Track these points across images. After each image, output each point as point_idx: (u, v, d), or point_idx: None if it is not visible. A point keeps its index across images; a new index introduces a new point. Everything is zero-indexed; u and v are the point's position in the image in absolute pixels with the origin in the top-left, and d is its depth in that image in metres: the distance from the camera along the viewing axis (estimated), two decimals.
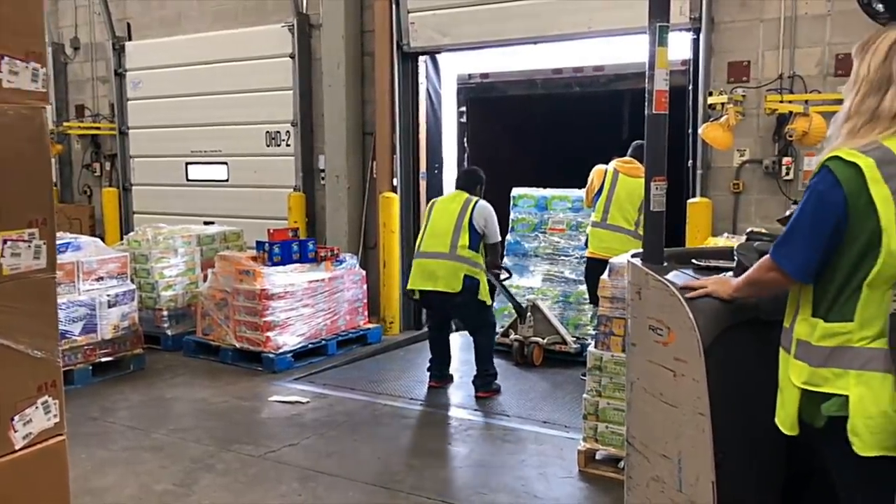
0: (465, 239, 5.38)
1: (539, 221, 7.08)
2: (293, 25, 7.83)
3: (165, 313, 6.85)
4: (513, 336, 6.45)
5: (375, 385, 5.87)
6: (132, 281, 6.36)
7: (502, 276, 6.12)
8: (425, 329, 7.54)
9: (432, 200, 5.92)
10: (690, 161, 6.16)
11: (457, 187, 5.83)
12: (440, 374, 5.79)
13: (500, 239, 5.66)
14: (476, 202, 5.51)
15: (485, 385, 5.58)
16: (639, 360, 2.60)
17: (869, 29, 5.69)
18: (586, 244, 6.13)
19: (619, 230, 5.79)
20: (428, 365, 5.83)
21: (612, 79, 7.61)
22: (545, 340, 6.35)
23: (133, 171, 9.43)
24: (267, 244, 6.36)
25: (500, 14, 6.80)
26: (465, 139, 7.89)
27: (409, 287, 5.69)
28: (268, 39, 8.03)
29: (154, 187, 9.22)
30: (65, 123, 9.65)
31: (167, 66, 8.84)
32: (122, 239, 8.07)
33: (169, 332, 6.84)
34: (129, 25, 9.24)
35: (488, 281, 5.58)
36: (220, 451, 4.50)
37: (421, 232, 5.68)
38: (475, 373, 5.63)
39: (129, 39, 9.22)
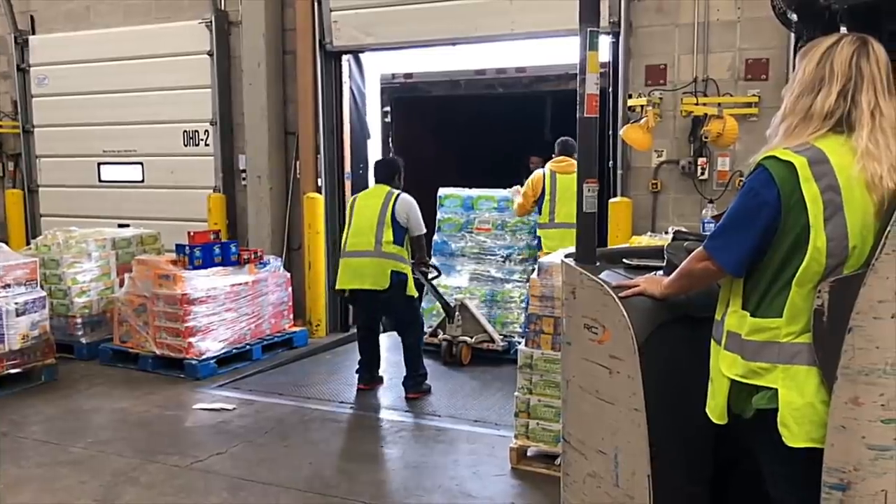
0: (388, 235, 5.37)
1: (465, 221, 7.13)
2: (211, 22, 7.62)
3: (79, 321, 6.55)
4: (441, 336, 6.47)
5: (303, 389, 5.78)
6: (42, 287, 6.05)
7: (431, 275, 6.13)
8: (353, 331, 7.49)
9: (353, 197, 5.88)
10: (611, 162, 6.32)
11: (376, 180, 5.77)
12: (369, 376, 5.76)
13: (424, 231, 5.59)
14: (397, 196, 5.47)
15: (415, 386, 5.58)
16: (574, 359, 2.65)
17: (775, 35, 5.98)
18: (539, 246, 6.39)
19: (567, 226, 5.88)
20: (357, 367, 5.78)
21: (534, 80, 7.73)
22: (473, 339, 6.40)
23: (40, 172, 8.97)
24: (187, 247, 6.18)
25: (423, 14, 6.81)
26: (389, 139, 7.86)
27: (337, 287, 5.64)
28: (184, 36, 7.79)
29: (63, 189, 8.80)
30: None
31: (76, 61, 8.45)
32: (28, 243, 7.67)
33: (84, 341, 6.55)
34: (32, 18, 8.79)
35: (415, 278, 5.58)
36: (143, 462, 4.34)
37: (345, 230, 5.64)
38: (405, 374, 5.62)
39: (33, 33, 8.77)
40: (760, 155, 2.08)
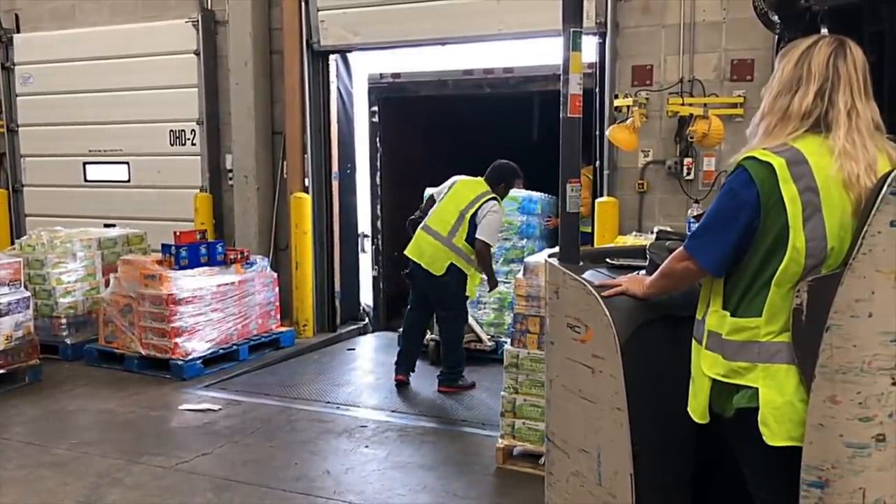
0: (464, 231, 5.42)
1: None
2: (197, 21, 7.59)
3: (64, 321, 6.50)
4: (429, 336, 6.46)
5: (290, 390, 5.77)
6: (26, 288, 6.01)
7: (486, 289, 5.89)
8: (343, 330, 7.48)
9: (458, 177, 5.73)
10: (598, 162, 6.34)
11: (484, 177, 5.66)
12: (407, 366, 5.72)
13: (487, 240, 5.40)
14: (486, 201, 5.44)
15: (447, 380, 5.59)
16: (557, 358, 2.66)
17: (760, 36, 6.01)
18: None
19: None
20: (395, 359, 5.75)
21: (521, 80, 7.73)
22: None
23: (24, 172, 8.90)
24: (173, 247, 6.14)
25: (411, 14, 6.81)
26: (377, 139, 7.85)
27: (403, 252, 5.64)
28: (170, 35, 7.75)
29: (49, 188, 8.73)
30: None
31: (61, 60, 8.39)
32: (13, 243, 7.62)
33: (68, 341, 6.50)
34: (16, 17, 8.72)
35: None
36: (128, 464, 4.32)
37: (436, 204, 5.64)
38: (440, 369, 5.66)
39: (18, 32, 8.71)
40: (740, 155, 2.09)
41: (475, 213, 5.41)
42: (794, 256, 1.99)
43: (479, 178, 5.66)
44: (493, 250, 5.64)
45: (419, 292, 5.70)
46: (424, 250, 5.48)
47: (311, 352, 6.92)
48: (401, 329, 5.89)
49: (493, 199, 5.50)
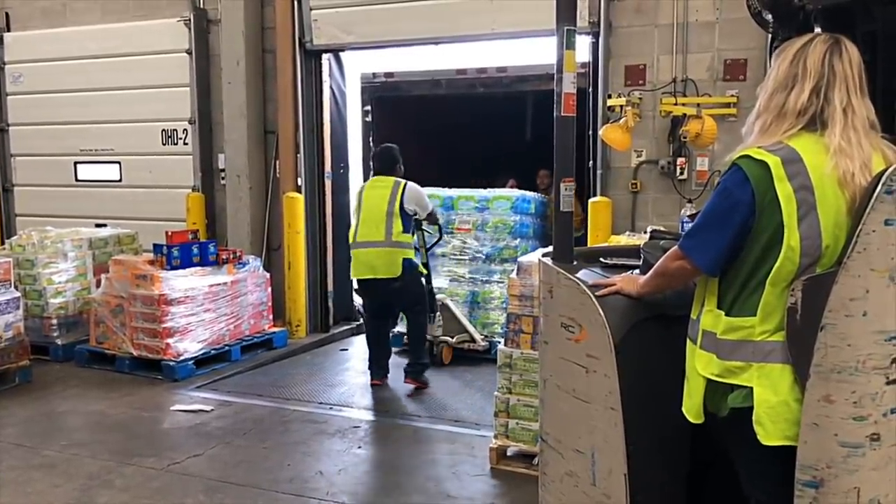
0: (398, 225, 5.51)
1: (445, 221, 7.07)
2: (190, 20, 7.56)
3: (55, 322, 6.46)
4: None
5: (283, 390, 5.74)
6: (16, 288, 5.96)
7: (434, 239, 6.24)
8: (335, 331, 7.47)
9: (360, 186, 5.96)
10: (591, 162, 6.33)
11: (377, 171, 5.81)
12: (382, 370, 5.79)
13: (431, 208, 5.83)
14: (404, 186, 5.58)
15: (414, 373, 5.66)
16: (551, 358, 2.64)
17: (753, 36, 6.01)
18: None
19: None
20: (367, 364, 5.81)
21: (514, 80, 7.74)
22: (454, 339, 6.39)
23: (15, 171, 8.84)
24: (165, 247, 6.11)
25: (404, 13, 6.79)
26: (370, 138, 7.84)
27: (351, 276, 5.80)
28: (162, 34, 7.72)
29: (39, 188, 8.68)
30: None
31: (52, 59, 8.34)
32: (3, 243, 7.56)
33: (59, 342, 6.46)
34: (7, 15, 8.67)
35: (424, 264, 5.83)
36: (119, 465, 4.29)
37: (354, 221, 5.71)
38: (408, 360, 5.73)
39: (8, 30, 8.66)
40: (735, 154, 2.08)
41: (402, 204, 5.52)
42: (789, 255, 1.98)
43: (377, 176, 5.77)
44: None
45: (378, 302, 5.76)
46: (374, 263, 5.52)
47: (304, 352, 6.89)
48: (366, 336, 5.94)
49: (403, 181, 5.65)
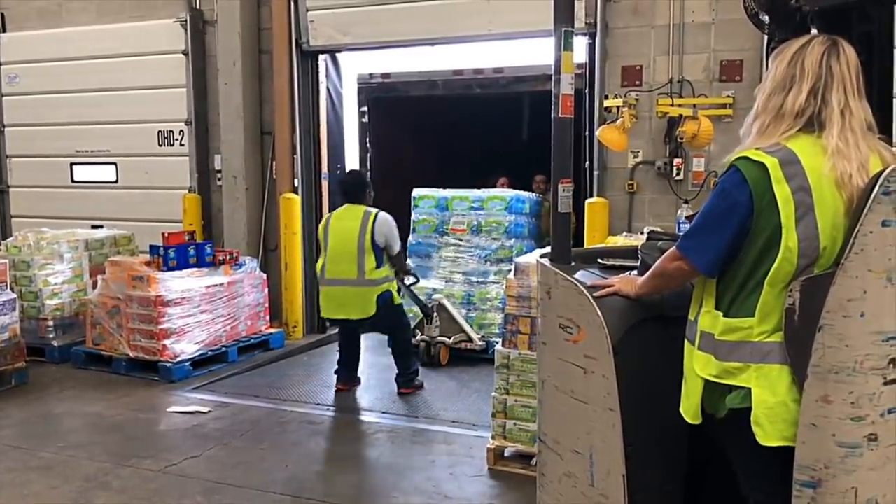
0: (371, 261, 5.28)
1: (440, 222, 7.09)
2: (186, 21, 7.55)
3: (51, 323, 6.45)
4: (419, 336, 6.45)
5: (280, 391, 5.74)
6: (12, 290, 5.95)
7: (409, 281, 6.02)
8: (331, 332, 7.45)
9: (326, 217, 5.69)
10: (588, 162, 6.34)
11: (346, 200, 5.55)
12: (348, 376, 5.72)
13: (400, 246, 5.52)
14: (374, 218, 5.32)
15: (406, 382, 5.59)
16: (549, 359, 2.65)
17: (749, 37, 6.03)
18: None
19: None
20: (335, 367, 5.75)
21: (511, 81, 7.75)
22: (451, 340, 6.39)
23: (10, 172, 8.83)
24: (162, 248, 6.11)
25: (400, 14, 6.79)
26: (367, 139, 7.83)
27: (322, 315, 5.63)
28: (159, 35, 7.72)
29: (35, 189, 8.67)
30: None
31: (48, 60, 8.33)
32: None
33: (55, 343, 6.45)
34: (3, 16, 8.66)
35: (397, 286, 5.59)
36: (116, 467, 4.28)
37: (322, 254, 5.50)
38: (397, 372, 5.62)
39: (4, 31, 8.65)
40: (733, 155, 2.09)
41: (372, 237, 5.27)
42: (787, 256, 1.98)
43: (346, 205, 5.51)
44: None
45: (350, 332, 5.58)
46: (345, 302, 5.33)
47: (301, 353, 6.89)
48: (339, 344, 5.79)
49: (373, 211, 5.40)
